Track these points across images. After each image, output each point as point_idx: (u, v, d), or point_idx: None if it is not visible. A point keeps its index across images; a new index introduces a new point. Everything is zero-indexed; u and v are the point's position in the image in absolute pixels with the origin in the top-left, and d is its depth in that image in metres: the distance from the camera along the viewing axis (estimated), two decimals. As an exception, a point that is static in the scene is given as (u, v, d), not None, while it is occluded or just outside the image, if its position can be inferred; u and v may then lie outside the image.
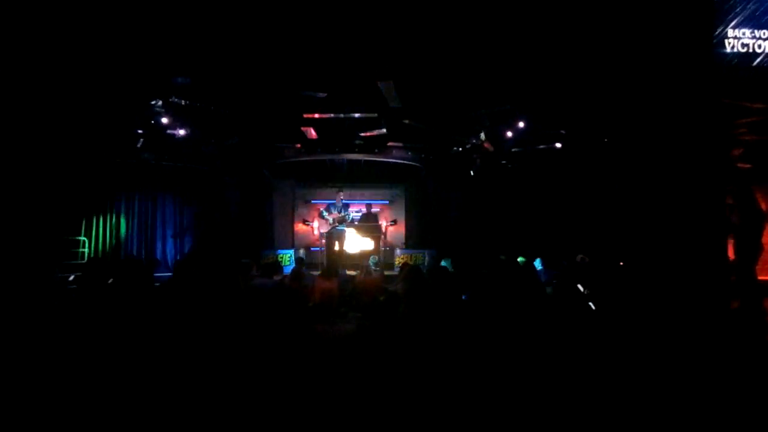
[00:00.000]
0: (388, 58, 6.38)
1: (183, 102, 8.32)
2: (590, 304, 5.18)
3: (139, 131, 8.88)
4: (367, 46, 6.26)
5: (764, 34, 5.71)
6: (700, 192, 5.32)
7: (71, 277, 7.08)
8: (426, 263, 10.02)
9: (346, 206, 10.24)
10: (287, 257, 10.27)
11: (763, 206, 5.90)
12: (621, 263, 7.10)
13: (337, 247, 9.94)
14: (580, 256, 7.48)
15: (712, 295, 4.88)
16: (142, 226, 10.79)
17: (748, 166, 7.18)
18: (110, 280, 5.67)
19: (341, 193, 10.33)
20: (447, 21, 5.84)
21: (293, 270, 6.12)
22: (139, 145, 9.16)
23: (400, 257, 10.56)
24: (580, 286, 5.27)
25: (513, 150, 10.12)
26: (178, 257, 10.87)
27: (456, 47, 6.15)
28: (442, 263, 6.78)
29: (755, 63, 5.73)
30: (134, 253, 10.42)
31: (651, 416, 3.27)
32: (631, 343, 4.68)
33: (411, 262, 9.52)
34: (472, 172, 11.36)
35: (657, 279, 5.12)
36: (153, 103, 8.13)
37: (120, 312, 4.63)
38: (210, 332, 4.34)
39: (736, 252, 6.03)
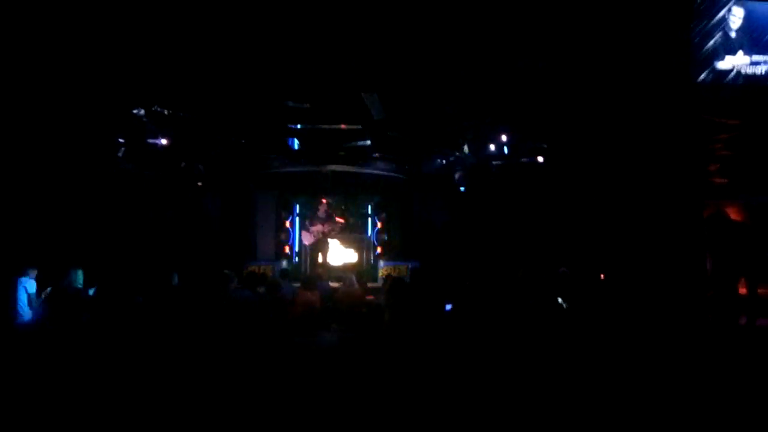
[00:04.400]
0: (372, 69, 6.41)
1: (166, 111, 8.24)
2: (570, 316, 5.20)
3: (121, 140, 8.75)
4: (351, 57, 6.29)
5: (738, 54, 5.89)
6: (677, 206, 5.42)
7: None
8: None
9: (330, 217, 10.20)
10: (270, 268, 10.18)
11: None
12: (602, 276, 7.16)
13: (320, 259, 9.92)
14: (562, 269, 7.51)
15: (690, 307, 4.95)
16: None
17: (725, 181, 7.33)
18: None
19: (325, 204, 10.28)
20: (431, 33, 5.90)
21: (270, 281, 6.07)
22: (120, 155, 9.01)
23: (383, 269, 10.53)
24: (560, 299, 5.30)
25: (495, 162, 10.20)
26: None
27: (440, 60, 6.21)
28: None
29: (726, 80, 5.89)
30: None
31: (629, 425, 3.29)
32: (610, 354, 4.71)
33: (394, 274, 9.50)
34: (455, 185, 11.43)
35: (636, 292, 5.18)
36: (135, 111, 8.03)
37: (97, 323, 4.54)
38: (191, 343, 4.27)
39: (713, 266, 6.14)
